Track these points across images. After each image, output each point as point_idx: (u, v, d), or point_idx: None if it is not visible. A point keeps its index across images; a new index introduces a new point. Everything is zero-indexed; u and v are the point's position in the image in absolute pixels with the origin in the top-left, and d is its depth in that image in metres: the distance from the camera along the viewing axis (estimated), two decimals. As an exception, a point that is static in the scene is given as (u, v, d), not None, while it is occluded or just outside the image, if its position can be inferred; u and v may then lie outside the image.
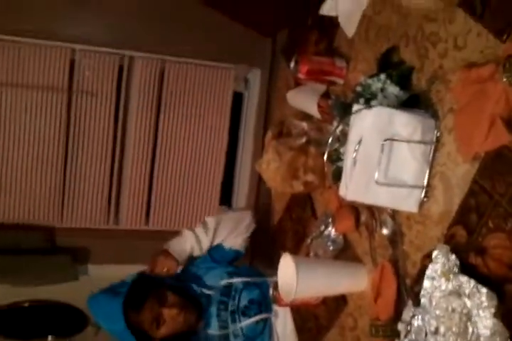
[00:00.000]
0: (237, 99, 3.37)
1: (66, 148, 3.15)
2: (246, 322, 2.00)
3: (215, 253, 2.18)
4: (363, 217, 1.50)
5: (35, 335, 3.73)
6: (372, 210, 1.46)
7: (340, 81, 1.72)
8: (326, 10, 1.80)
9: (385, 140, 1.22)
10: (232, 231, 2.19)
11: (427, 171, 1.25)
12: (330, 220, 1.65)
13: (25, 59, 2.99)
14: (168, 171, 3.28)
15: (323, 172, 1.75)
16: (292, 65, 1.78)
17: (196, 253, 2.16)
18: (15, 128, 3.07)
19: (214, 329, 2.00)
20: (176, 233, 3.40)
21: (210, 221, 2.20)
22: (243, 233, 2.21)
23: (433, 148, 1.25)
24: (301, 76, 1.76)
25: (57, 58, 3.00)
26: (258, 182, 3.40)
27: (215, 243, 2.17)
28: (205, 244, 2.16)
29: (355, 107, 1.28)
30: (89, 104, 3.09)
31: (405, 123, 1.22)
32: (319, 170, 1.75)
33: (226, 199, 3.60)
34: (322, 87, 1.76)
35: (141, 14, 3.08)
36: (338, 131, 1.42)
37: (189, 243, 2.15)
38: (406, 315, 1.24)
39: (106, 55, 3.06)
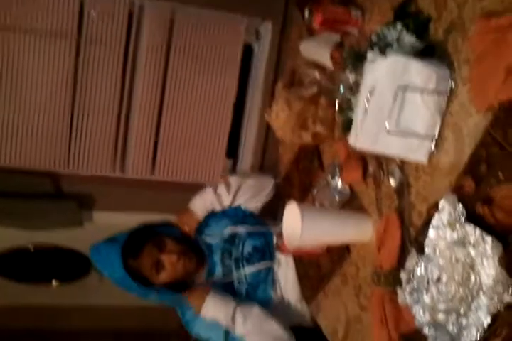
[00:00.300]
0: (247, 52, 3.33)
1: (73, 94, 3.11)
2: (249, 269, 2.03)
3: (230, 210, 2.22)
4: (371, 168, 1.50)
5: (40, 279, 3.80)
6: (381, 161, 1.46)
7: (355, 31, 1.70)
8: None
9: (399, 88, 1.20)
10: (254, 197, 2.23)
11: (439, 122, 1.25)
12: (337, 171, 1.65)
13: (33, 3, 2.95)
14: (175, 121, 3.26)
15: (332, 124, 1.74)
16: (306, 14, 1.75)
17: (217, 208, 2.20)
18: (22, 73, 3.04)
19: (218, 276, 2.03)
20: (180, 184, 3.43)
21: (234, 181, 2.24)
22: (263, 200, 2.25)
23: (446, 98, 1.24)
24: (315, 26, 1.74)
25: (65, 3, 2.95)
26: (265, 135, 3.39)
27: (235, 204, 2.21)
28: (226, 203, 2.20)
29: (370, 55, 1.26)
30: (97, 50, 3.04)
31: (420, 72, 1.21)
32: (329, 122, 1.74)
33: (232, 152, 3.60)
34: (336, 37, 1.74)
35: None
36: (350, 80, 1.41)
37: (210, 201, 2.19)
38: (409, 263, 1.25)
39: (116, 1, 3.01)
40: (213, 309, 1.93)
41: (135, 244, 1.94)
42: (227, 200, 2.20)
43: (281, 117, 1.77)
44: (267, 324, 1.92)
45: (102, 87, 3.12)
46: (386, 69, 1.22)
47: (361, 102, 1.28)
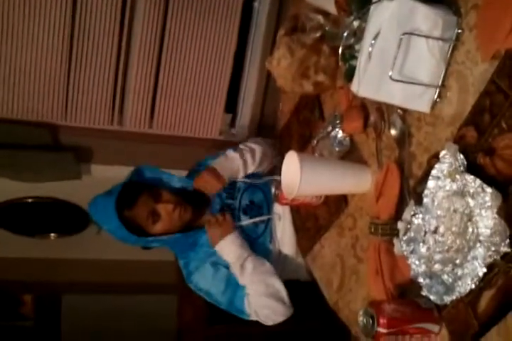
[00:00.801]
0: (248, 1, 3.27)
1: (71, 43, 3.07)
2: (246, 221, 2.04)
3: None
4: (372, 118, 1.48)
5: (38, 232, 3.82)
6: (382, 110, 1.44)
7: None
8: None
9: (404, 33, 1.18)
10: (269, 165, 2.22)
11: (444, 70, 1.22)
12: (338, 121, 1.63)
13: None
14: (174, 73, 3.21)
15: (334, 73, 1.72)
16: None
17: (239, 176, 2.13)
18: (18, 20, 2.98)
19: None
20: (178, 138, 3.41)
21: (258, 150, 2.17)
22: (271, 166, 2.24)
23: (452, 45, 1.21)
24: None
25: None
26: (265, 90, 3.37)
27: (255, 171, 2.18)
28: (250, 170, 2.14)
29: (376, -1, 1.23)
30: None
31: (426, 17, 1.18)
32: (331, 71, 1.71)
33: (232, 107, 3.57)
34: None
35: None
36: (355, 25, 1.38)
37: (236, 166, 2.11)
38: (407, 214, 1.26)
39: None
40: (229, 247, 1.95)
41: (130, 195, 1.95)
42: (251, 168, 2.14)
43: (282, 65, 1.74)
44: (273, 281, 1.95)
45: (99, 37, 3.07)
46: (392, 13, 1.19)
47: (365, 48, 1.25)
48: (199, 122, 3.37)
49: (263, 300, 1.94)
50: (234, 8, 3.11)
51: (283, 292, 1.96)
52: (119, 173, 2.01)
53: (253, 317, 1.98)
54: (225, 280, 1.98)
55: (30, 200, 3.63)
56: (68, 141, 3.25)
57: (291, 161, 1.48)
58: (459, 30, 1.20)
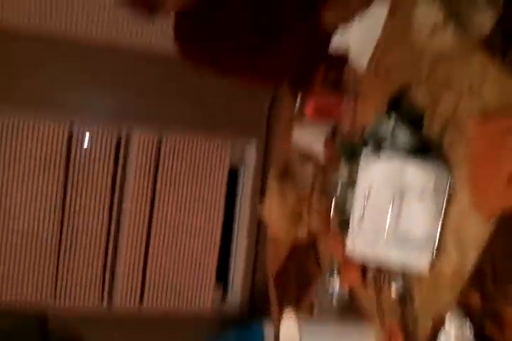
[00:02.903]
0: (233, 175, 3.46)
1: (61, 226, 3.19)
2: None
3: None
4: (370, 271, 1.44)
5: None
6: (380, 267, 1.40)
7: (348, 121, 1.68)
8: (335, 47, 1.75)
9: (395, 194, 1.16)
10: None
11: (439, 227, 1.20)
12: (335, 272, 1.59)
13: (24, 130, 3.05)
14: (163, 249, 3.37)
15: (327, 218, 1.70)
16: (298, 103, 1.75)
17: None
18: (10, 203, 3.08)
19: None
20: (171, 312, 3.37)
21: None
22: None
23: (446, 200, 1.19)
24: (307, 115, 1.73)
25: (55, 130, 3.07)
26: (255, 259, 3.43)
27: None
28: None
29: (364, 154, 1.23)
30: (85, 179, 3.15)
31: (417, 175, 1.17)
32: (324, 216, 1.70)
33: (222, 276, 3.63)
34: (328, 127, 1.72)
35: (138, 88, 3.16)
36: (345, 174, 1.38)
37: None
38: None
39: (104, 128, 3.14)
40: None
41: None
42: None
43: (274, 211, 1.74)
44: None
45: (90, 217, 3.24)
46: (381, 171, 1.19)
47: (357, 207, 1.24)
48: (190, 294, 3.48)
49: None
50: (220, 177, 3.26)
51: None
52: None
53: None
54: None
55: None
56: (57, 332, 3.25)
57: (290, 327, 1.42)
58: (452, 185, 1.19)
